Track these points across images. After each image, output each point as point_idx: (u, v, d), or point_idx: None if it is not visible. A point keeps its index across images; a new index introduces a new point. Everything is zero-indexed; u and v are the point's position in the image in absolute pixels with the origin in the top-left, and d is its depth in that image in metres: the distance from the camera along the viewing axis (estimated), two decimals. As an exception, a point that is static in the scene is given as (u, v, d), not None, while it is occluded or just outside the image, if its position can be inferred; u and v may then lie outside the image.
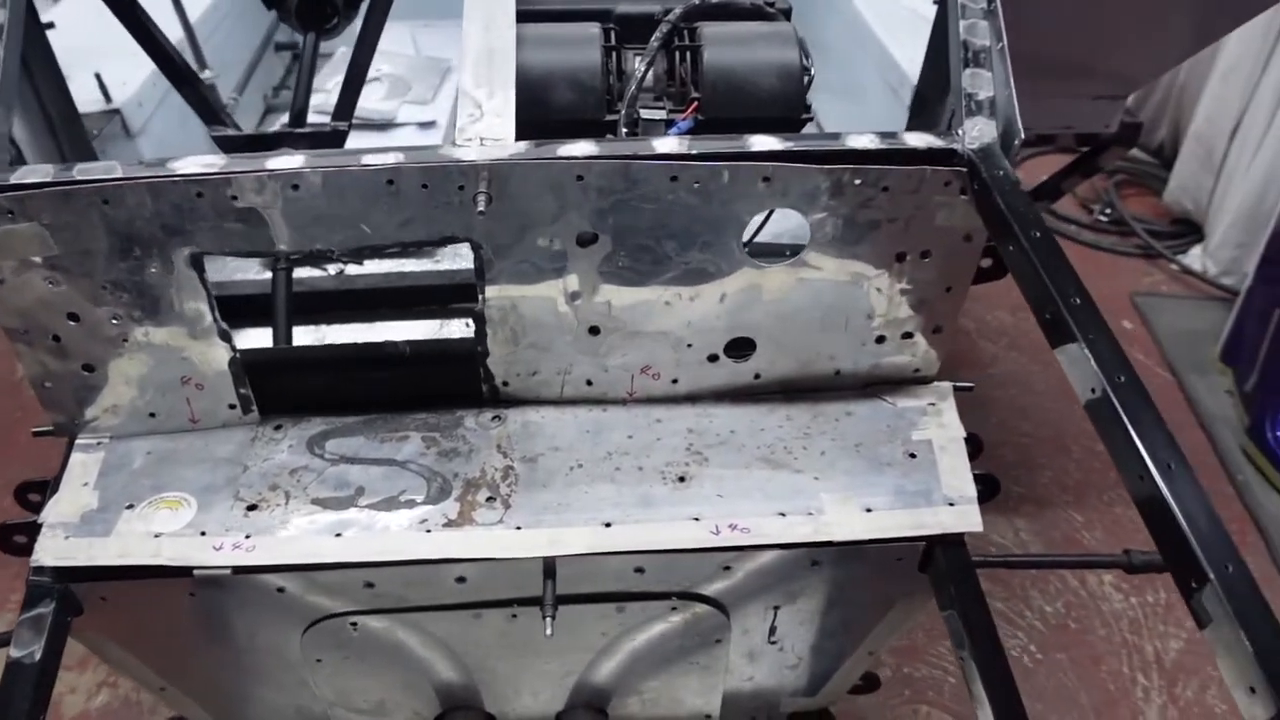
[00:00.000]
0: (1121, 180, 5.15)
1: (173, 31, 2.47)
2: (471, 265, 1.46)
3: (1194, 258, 4.63)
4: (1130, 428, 1.13)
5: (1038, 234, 1.30)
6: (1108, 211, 4.90)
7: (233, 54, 3.05)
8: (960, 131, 1.45)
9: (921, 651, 3.00)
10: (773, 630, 1.65)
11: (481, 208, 1.32)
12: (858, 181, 1.40)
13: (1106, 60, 2.46)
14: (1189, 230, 4.82)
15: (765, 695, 1.83)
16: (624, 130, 1.64)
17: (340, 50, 3.16)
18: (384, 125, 3.00)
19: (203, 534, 1.44)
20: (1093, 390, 1.18)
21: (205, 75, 2.63)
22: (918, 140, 1.43)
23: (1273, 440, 3.58)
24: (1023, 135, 1.47)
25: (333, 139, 1.96)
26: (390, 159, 1.37)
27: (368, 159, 1.37)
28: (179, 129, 2.61)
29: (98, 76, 2.38)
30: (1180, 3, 2.27)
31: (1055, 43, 2.34)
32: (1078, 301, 1.24)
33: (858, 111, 2.76)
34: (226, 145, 1.96)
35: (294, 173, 1.36)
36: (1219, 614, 1.01)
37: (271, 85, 3.28)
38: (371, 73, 3.22)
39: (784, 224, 1.55)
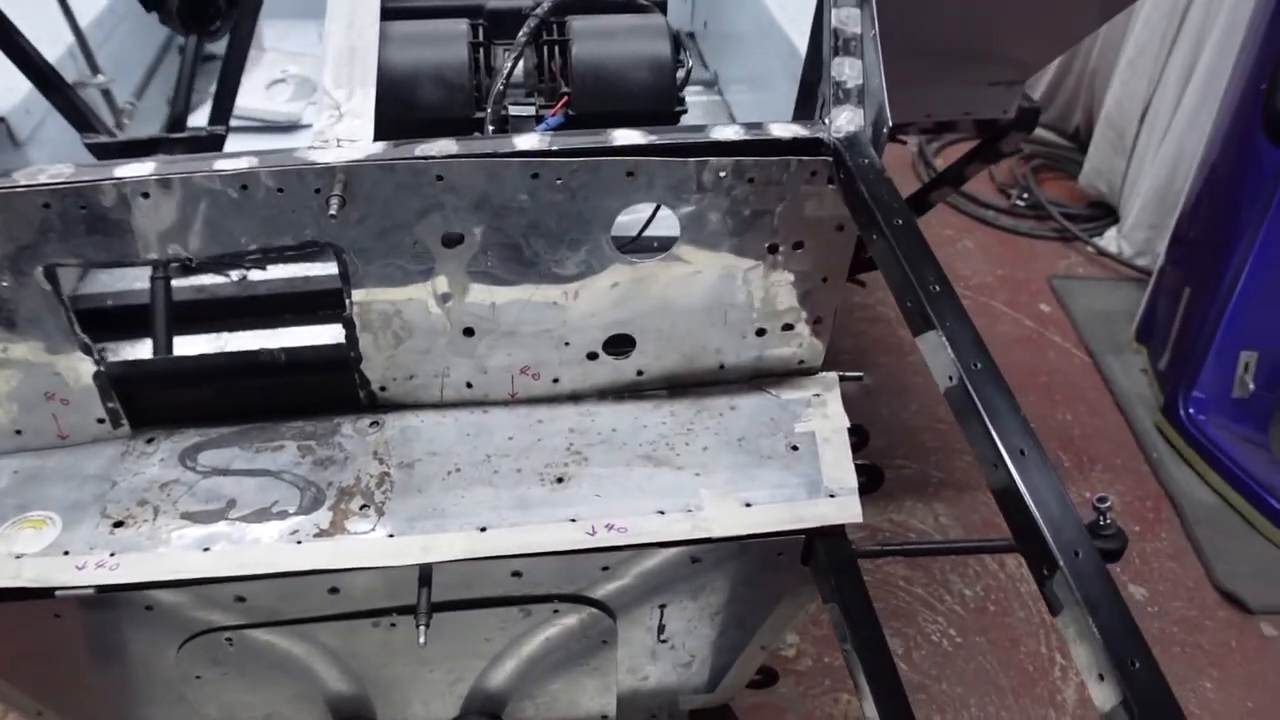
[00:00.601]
0: (1038, 165, 5.21)
1: (66, 36, 2.41)
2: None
3: (1109, 240, 4.70)
4: (984, 414, 1.14)
5: (900, 222, 1.30)
6: (1025, 196, 4.96)
7: (132, 57, 2.97)
8: (827, 120, 1.45)
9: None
10: (661, 629, 1.64)
11: (333, 211, 1.29)
12: (722, 174, 1.39)
13: (1000, 46, 2.48)
14: (1104, 213, 4.89)
15: (663, 693, 1.82)
16: (490, 128, 1.61)
17: (252, 54, 3.11)
18: (290, 127, 2.94)
19: (66, 553, 1.39)
20: (950, 378, 1.19)
21: (99, 80, 2.56)
22: (783, 130, 1.42)
23: (1185, 417, 3.65)
24: (890, 123, 1.47)
25: (210, 143, 1.92)
26: (243, 163, 1.33)
27: (219, 163, 1.34)
28: (72, 136, 2.54)
29: None
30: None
31: (949, 29, 2.35)
32: (937, 289, 1.24)
33: (767, 103, 2.75)
34: (100, 152, 1.91)
35: (140, 180, 1.32)
36: (1069, 600, 1.01)
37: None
38: (277, 74, 3.19)
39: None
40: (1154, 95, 4.48)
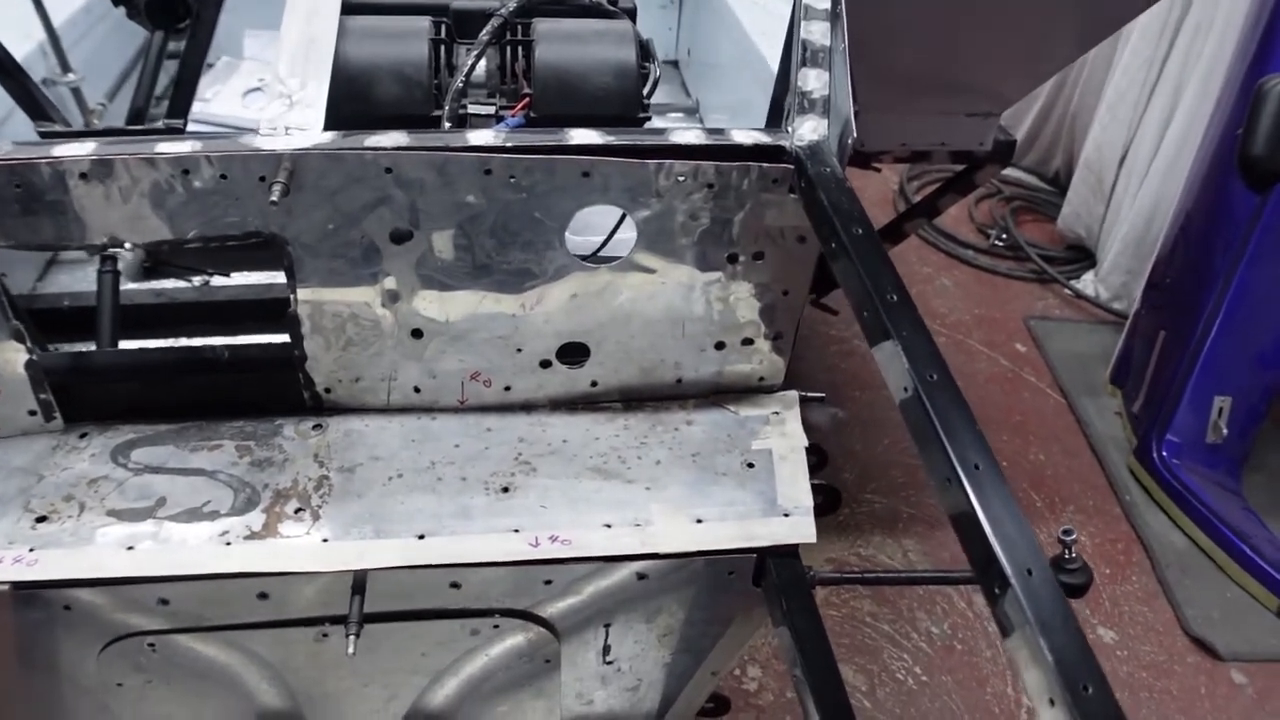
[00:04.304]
0: (1018, 206, 5.23)
1: (37, 32, 2.37)
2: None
3: (1086, 283, 4.70)
4: (938, 427, 1.10)
5: (859, 231, 1.27)
6: (1003, 237, 4.96)
7: (106, 59, 2.93)
8: (790, 129, 1.41)
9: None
10: (607, 650, 1.58)
11: (275, 198, 1.25)
12: (681, 178, 1.36)
13: (977, 76, 2.47)
14: (1082, 256, 4.90)
15: None
16: (448, 125, 1.57)
17: (223, 60, 3.09)
18: (242, 133, 2.91)
19: (-17, 548, 1.33)
20: (905, 389, 1.15)
21: (69, 78, 2.52)
22: (745, 136, 1.39)
23: (1158, 461, 3.62)
24: (855, 135, 1.45)
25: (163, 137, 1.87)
26: (185, 147, 1.29)
27: (161, 146, 1.29)
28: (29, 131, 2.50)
29: None
30: (1048, 19, 2.29)
31: (928, 59, 2.35)
32: (894, 299, 1.20)
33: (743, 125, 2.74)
34: (50, 140, 1.86)
35: (78, 160, 1.27)
36: (1020, 621, 0.97)
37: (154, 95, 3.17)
38: (253, 81, 3.15)
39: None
40: (1133, 141, 4.50)
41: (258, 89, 3.09)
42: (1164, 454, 3.63)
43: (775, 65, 2.47)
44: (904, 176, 5.30)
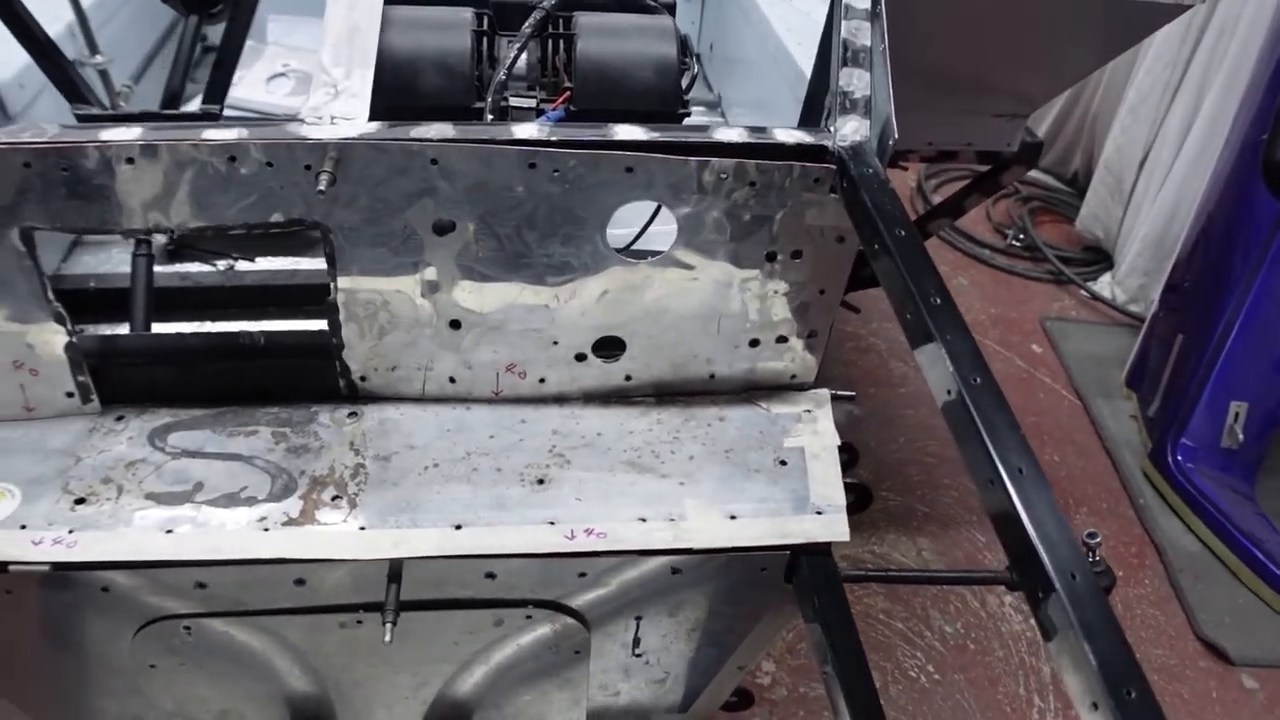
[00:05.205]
0: (1035, 207, 5.22)
1: (66, 14, 2.37)
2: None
3: (1103, 285, 4.70)
4: (983, 430, 1.10)
5: (902, 232, 1.27)
6: (1021, 237, 4.95)
7: (132, 42, 2.94)
8: (833, 129, 1.42)
9: (817, 671, 2.95)
10: (636, 642, 1.59)
11: (322, 187, 1.25)
12: (724, 175, 1.36)
13: (1005, 78, 2.46)
14: (1099, 258, 4.89)
15: (634, 711, 1.76)
16: (490, 118, 1.58)
17: (247, 44, 3.08)
18: (287, 121, 2.91)
19: (23, 527, 1.34)
20: (948, 392, 1.15)
21: (97, 60, 2.53)
22: (787, 135, 1.39)
23: (1172, 465, 3.62)
24: (896, 135, 1.44)
25: (200, 122, 1.87)
26: (232, 134, 1.30)
27: (208, 133, 1.30)
28: (66, 113, 2.51)
29: None
30: (1075, 24, 2.28)
31: (955, 59, 2.34)
32: (938, 301, 1.20)
33: (769, 125, 2.74)
34: (88, 123, 1.87)
35: (126, 145, 1.28)
36: (1063, 625, 0.97)
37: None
38: (278, 68, 3.16)
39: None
40: (1154, 143, 4.48)
41: (282, 74, 3.09)
42: (1178, 458, 3.63)
43: (802, 62, 2.48)
44: (922, 175, 5.29)
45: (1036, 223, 5.10)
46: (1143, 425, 3.90)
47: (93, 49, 2.57)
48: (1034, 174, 5.34)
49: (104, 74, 2.55)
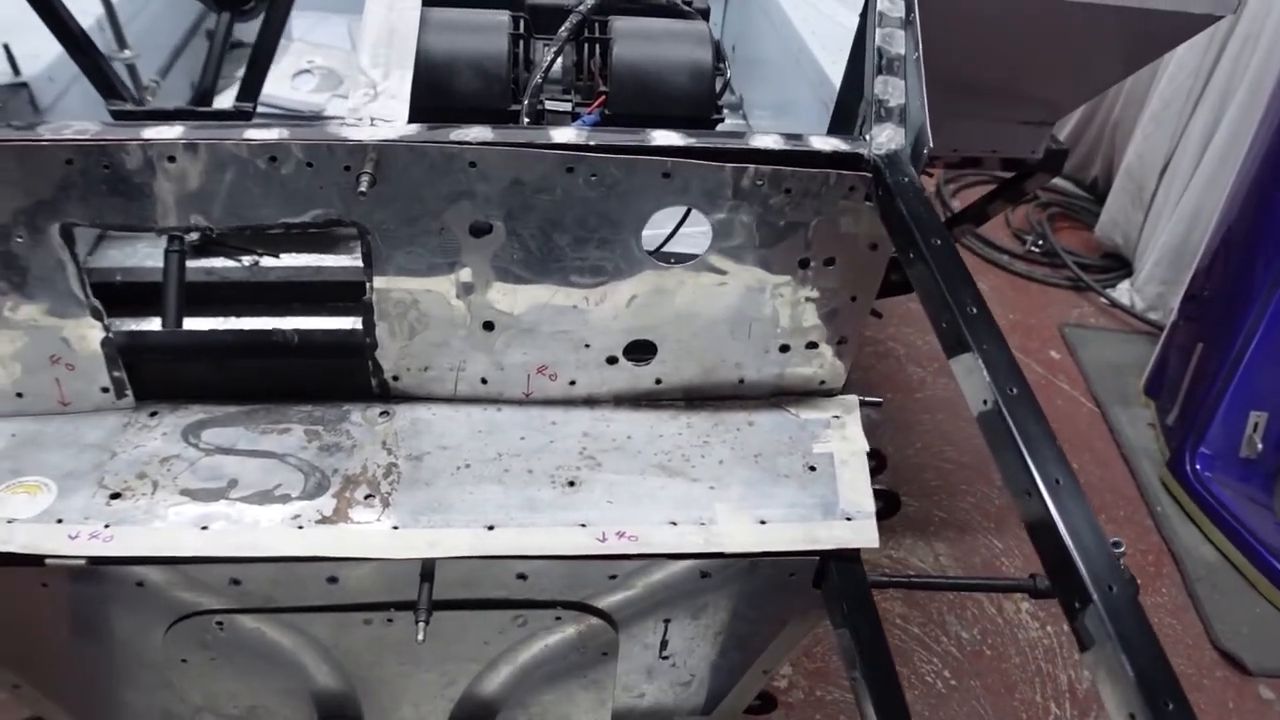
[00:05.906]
0: (1055, 213, 5.21)
1: (94, 8, 2.39)
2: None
3: (1122, 292, 4.69)
4: (1020, 441, 1.11)
5: (938, 242, 1.27)
6: (1040, 243, 4.94)
7: (159, 37, 2.96)
8: (868, 137, 1.42)
9: (834, 675, 2.96)
10: (664, 645, 1.59)
11: (363, 189, 1.26)
12: (760, 182, 1.37)
13: (1032, 86, 2.46)
14: (1118, 265, 4.88)
15: (658, 713, 1.77)
16: (526, 121, 1.59)
17: (280, 43, 3.10)
18: (313, 118, 2.92)
19: (59, 521, 1.35)
20: (985, 402, 1.16)
21: (125, 55, 2.54)
22: (823, 143, 1.40)
23: (1190, 474, 3.61)
24: (931, 144, 1.45)
25: (236, 119, 1.88)
26: (273, 134, 1.31)
27: (250, 133, 1.31)
28: (95, 108, 2.52)
29: (6, 48, 2.28)
30: (1103, 33, 2.28)
31: (982, 66, 2.34)
32: (974, 311, 1.21)
33: (793, 129, 2.73)
34: (124, 119, 1.88)
35: (169, 143, 1.29)
36: (1101, 636, 0.98)
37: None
38: (303, 64, 3.17)
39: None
40: (1175, 151, 4.47)
41: (306, 70, 3.11)
42: (1197, 467, 3.62)
43: (825, 64, 2.48)
44: (940, 180, 5.29)
45: (1056, 229, 5.09)
46: (1161, 433, 3.90)
47: (121, 44, 2.59)
48: (1054, 180, 5.33)
49: (132, 69, 2.56)
